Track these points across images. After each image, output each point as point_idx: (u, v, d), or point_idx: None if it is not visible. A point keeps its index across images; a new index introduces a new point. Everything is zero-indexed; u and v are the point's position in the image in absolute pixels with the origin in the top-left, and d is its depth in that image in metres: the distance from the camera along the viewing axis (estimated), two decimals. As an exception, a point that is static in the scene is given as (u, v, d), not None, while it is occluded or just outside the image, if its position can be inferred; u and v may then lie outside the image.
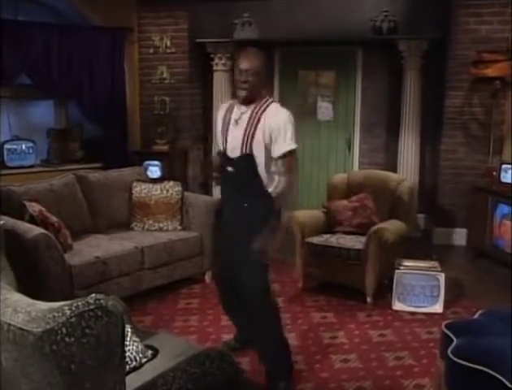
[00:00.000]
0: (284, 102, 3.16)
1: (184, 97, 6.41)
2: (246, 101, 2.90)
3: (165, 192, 4.65)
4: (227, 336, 3.55)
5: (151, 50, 6.38)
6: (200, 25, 6.31)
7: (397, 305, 4.10)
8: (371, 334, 3.72)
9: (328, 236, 4.45)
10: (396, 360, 3.34)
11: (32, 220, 3.70)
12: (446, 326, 2.56)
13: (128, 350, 2.14)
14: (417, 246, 5.18)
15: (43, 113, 6.28)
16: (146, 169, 5.59)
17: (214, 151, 4.92)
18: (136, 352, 2.18)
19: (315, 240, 4.38)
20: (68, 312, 1.49)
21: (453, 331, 2.48)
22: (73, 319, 1.48)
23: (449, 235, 5.86)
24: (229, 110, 3.02)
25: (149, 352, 2.24)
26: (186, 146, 6.49)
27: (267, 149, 2.86)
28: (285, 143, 2.82)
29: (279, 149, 2.83)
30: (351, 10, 6.01)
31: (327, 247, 4.30)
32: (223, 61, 6.23)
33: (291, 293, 4.46)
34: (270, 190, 2.91)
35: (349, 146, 6.53)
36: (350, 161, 6.55)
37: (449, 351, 2.36)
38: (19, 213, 3.74)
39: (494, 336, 2.42)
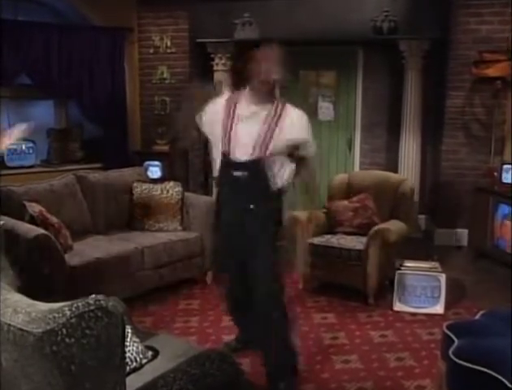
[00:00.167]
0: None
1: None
2: (264, 99, 2.81)
3: (165, 192, 4.65)
4: (228, 337, 3.54)
5: (151, 50, 6.37)
6: (200, 25, 6.30)
7: (398, 306, 4.09)
8: (372, 335, 3.71)
9: (329, 236, 4.44)
10: (397, 361, 3.33)
11: (33, 221, 3.70)
12: (447, 327, 2.56)
13: (129, 351, 2.13)
14: (418, 247, 5.16)
15: (43, 113, 6.27)
16: (147, 169, 5.59)
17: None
18: (137, 353, 2.17)
19: (316, 240, 4.37)
20: (68, 313, 1.49)
21: (454, 332, 2.48)
22: (73, 320, 1.48)
23: (451, 236, 5.84)
24: (230, 106, 2.83)
25: (150, 353, 2.23)
26: (186, 146, 6.48)
27: (286, 147, 2.85)
28: (311, 142, 3.02)
29: (311, 147, 3.07)
30: (351, 10, 6.00)
31: (327, 247, 4.30)
32: (223, 61, 6.22)
33: (291, 294, 4.44)
34: (277, 184, 2.84)
35: (350, 146, 6.52)
36: (351, 161, 6.55)
37: (450, 352, 2.35)
38: (19, 213, 3.73)
39: (495, 337, 2.41)
